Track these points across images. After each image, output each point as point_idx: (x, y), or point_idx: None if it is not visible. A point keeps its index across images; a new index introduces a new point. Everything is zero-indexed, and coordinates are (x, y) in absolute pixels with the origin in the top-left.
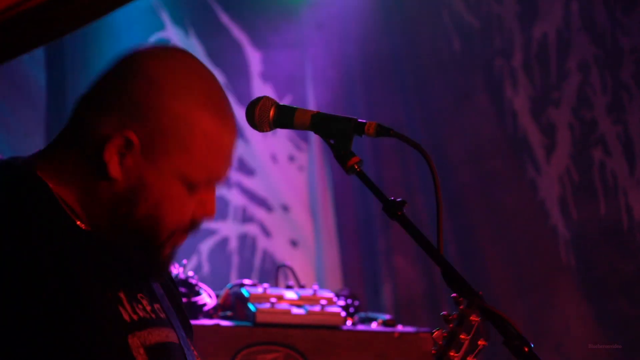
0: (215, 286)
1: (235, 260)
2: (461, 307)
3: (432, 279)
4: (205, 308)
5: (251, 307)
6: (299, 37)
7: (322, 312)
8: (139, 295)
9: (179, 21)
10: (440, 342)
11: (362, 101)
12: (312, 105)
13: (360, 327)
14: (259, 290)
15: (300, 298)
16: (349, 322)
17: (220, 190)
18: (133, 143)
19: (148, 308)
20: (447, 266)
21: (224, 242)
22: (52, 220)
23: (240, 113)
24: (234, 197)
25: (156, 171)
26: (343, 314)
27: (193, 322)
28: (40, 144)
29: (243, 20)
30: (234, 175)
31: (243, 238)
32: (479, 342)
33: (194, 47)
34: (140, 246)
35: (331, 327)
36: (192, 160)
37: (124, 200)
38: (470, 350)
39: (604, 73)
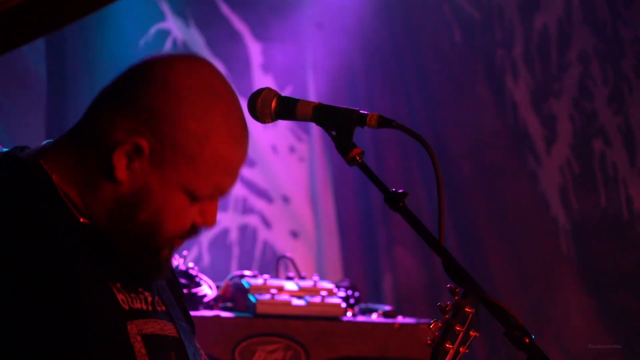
0: (215, 277)
1: (235, 251)
2: (456, 297)
3: (433, 270)
4: (206, 299)
5: (251, 298)
6: (300, 28)
7: (323, 304)
8: (138, 289)
9: (179, 12)
10: (437, 334)
11: (363, 93)
12: (312, 97)
13: (361, 318)
14: (260, 281)
15: (301, 289)
16: (349, 313)
17: None
18: (143, 150)
19: (149, 300)
20: (448, 257)
21: (225, 233)
22: (52, 211)
23: (241, 104)
24: (235, 188)
25: (162, 180)
26: (343, 305)
27: (193, 313)
28: (41, 134)
29: (243, 11)
30: None
31: (243, 229)
32: (471, 333)
33: (194, 37)
34: (138, 248)
35: (331, 318)
36: (199, 177)
37: (127, 203)
38: (464, 341)
39: (605, 64)
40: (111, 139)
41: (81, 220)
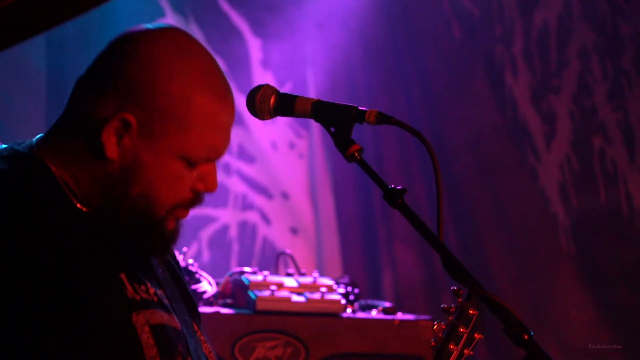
0: (215, 274)
1: (235, 247)
2: (460, 300)
3: (432, 266)
4: (206, 296)
5: (251, 294)
6: (299, 24)
7: (322, 300)
8: (141, 278)
9: (179, 8)
10: (440, 335)
11: (363, 89)
12: (312, 93)
13: (360, 314)
14: (259, 277)
15: (300, 286)
16: (349, 310)
17: (220, 178)
18: (130, 124)
19: (151, 291)
20: (447, 254)
21: (224, 229)
22: (56, 204)
23: (240, 101)
24: (234, 185)
25: (154, 151)
26: (343, 301)
27: None
28: (41, 130)
29: (243, 8)
30: (234, 162)
31: (243, 225)
32: (476, 335)
33: (194, 34)
34: (139, 224)
35: (331, 315)
36: (190, 139)
37: (119, 180)
38: (468, 343)
39: (604, 60)
40: (98, 120)
41: (83, 209)
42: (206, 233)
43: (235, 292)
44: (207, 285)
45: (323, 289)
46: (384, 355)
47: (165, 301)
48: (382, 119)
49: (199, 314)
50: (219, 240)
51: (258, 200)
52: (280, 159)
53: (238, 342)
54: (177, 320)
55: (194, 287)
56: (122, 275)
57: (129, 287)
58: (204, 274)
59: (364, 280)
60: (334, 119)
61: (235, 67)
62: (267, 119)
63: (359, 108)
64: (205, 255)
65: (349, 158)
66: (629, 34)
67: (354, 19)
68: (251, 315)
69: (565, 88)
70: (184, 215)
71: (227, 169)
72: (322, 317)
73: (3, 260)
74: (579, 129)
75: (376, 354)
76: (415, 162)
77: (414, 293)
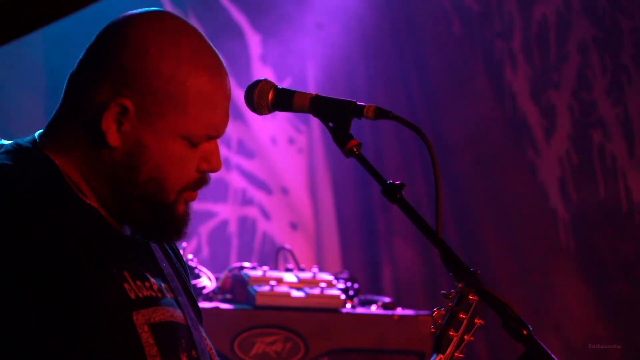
0: (214, 269)
1: (234, 242)
2: (460, 285)
3: (432, 261)
4: (205, 291)
5: (251, 290)
6: (299, 20)
7: (322, 295)
8: (144, 274)
9: (178, 3)
10: (440, 321)
11: (362, 84)
12: (311, 88)
13: (360, 309)
14: (259, 273)
15: (300, 281)
16: (348, 305)
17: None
18: (128, 109)
19: (155, 287)
20: (445, 249)
21: (224, 224)
22: (60, 200)
23: (239, 96)
24: (234, 180)
25: (154, 133)
26: (342, 296)
27: None
28: (40, 125)
29: (242, 3)
30: (234, 157)
31: (243, 220)
32: (476, 321)
33: None
34: (151, 210)
35: (331, 310)
36: (189, 118)
37: (124, 166)
38: (468, 329)
39: (604, 54)
40: (96, 109)
41: (88, 202)
42: (206, 228)
43: (235, 287)
44: (206, 281)
45: (322, 284)
46: (383, 351)
47: (170, 295)
48: (381, 113)
49: (199, 310)
50: (219, 235)
51: (257, 195)
52: (279, 154)
53: (237, 337)
54: (181, 314)
55: (193, 282)
56: (126, 273)
57: (132, 284)
58: (204, 269)
59: (363, 275)
60: (332, 114)
61: (234, 62)
62: (265, 114)
63: (358, 103)
64: (205, 251)
65: (348, 153)
66: (628, 28)
67: (354, 15)
68: (251, 310)
69: (564, 83)
70: (193, 197)
71: (227, 164)
72: (321, 312)
73: (3, 259)
74: (578, 123)
75: (376, 349)
76: (414, 157)
77: (414, 288)
